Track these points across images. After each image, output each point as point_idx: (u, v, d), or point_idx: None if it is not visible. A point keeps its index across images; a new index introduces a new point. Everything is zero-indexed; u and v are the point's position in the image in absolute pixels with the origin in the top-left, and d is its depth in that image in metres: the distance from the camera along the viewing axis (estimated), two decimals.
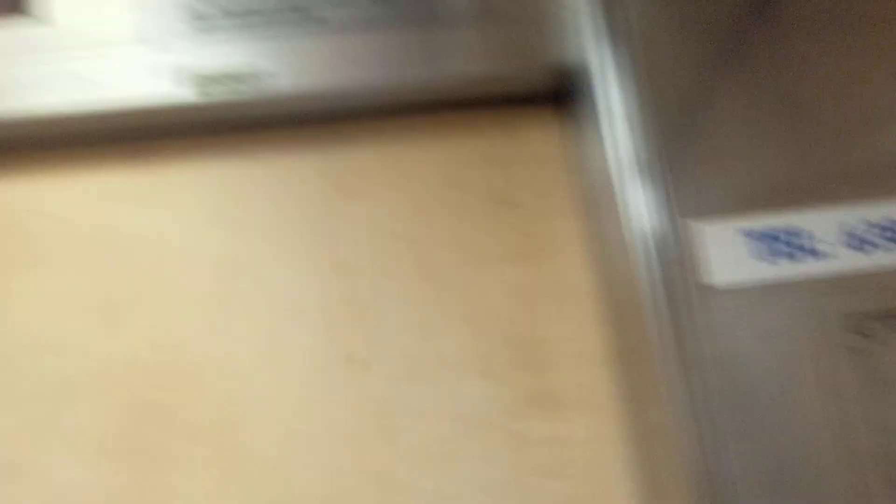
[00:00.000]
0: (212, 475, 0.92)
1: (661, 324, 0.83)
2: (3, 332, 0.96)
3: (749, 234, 0.83)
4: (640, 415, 0.93)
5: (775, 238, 0.83)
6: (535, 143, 1.03)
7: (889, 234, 0.83)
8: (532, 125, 1.03)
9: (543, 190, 1.02)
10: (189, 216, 1.00)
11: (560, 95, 1.03)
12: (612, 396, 0.96)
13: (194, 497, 0.91)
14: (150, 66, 0.94)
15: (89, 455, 0.93)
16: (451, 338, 0.97)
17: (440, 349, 0.97)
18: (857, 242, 0.83)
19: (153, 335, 0.96)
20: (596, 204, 0.96)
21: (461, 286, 0.98)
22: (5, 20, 0.91)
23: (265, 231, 0.99)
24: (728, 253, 0.82)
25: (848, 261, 0.83)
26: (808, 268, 0.82)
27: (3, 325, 0.97)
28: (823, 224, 0.84)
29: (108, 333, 0.96)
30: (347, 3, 0.96)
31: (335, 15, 0.96)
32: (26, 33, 0.92)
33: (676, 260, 0.83)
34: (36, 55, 0.92)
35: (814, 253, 0.83)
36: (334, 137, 1.02)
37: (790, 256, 0.83)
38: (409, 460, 0.94)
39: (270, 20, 0.96)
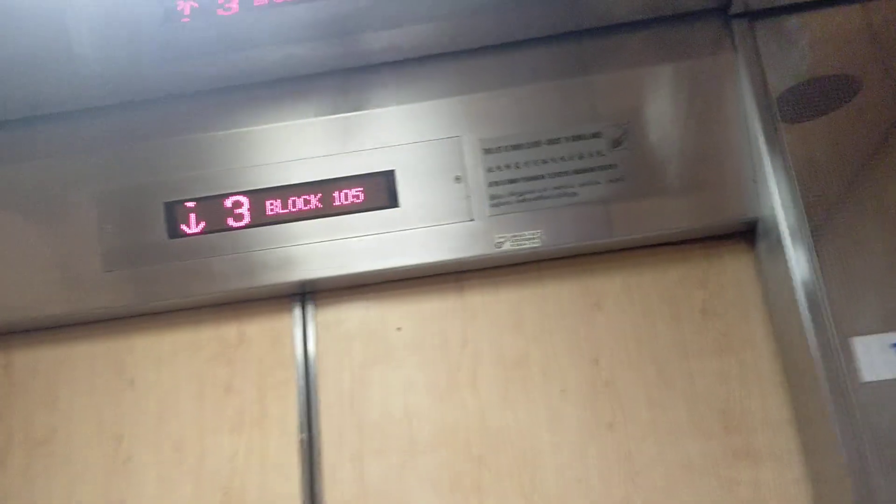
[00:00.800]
0: (515, 500, 1.39)
1: (830, 404, 1.24)
2: (371, 407, 1.47)
3: (894, 346, 1.23)
4: (813, 464, 1.33)
5: None
6: (729, 269, 1.46)
7: None
8: (727, 256, 1.46)
9: (738, 303, 1.44)
10: (491, 326, 1.48)
11: (748, 235, 1.45)
12: (793, 451, 1.36)
13: None
14: (464, 232, 1.43)
15: (436, 489, 1.42)
16: (675, 409, 1.40)
17: (667, 417, 1.40)
18: None
19: (472, 407, 1.44)
20: (780, 317, 1.38)
21: (681, 372, 1.42)
22: (383, 211, 1.42)
23: (543, 335, 1.46)
24: (879, 359, 1.23)
25: None
26: None
27: (369, 403, 1.48)
28: None
29: (441, 406, 1.46)
30: (592, 183, 1.42)
31: (584, 192, 1.43)
32: (394, 217, 1.43)
33: (843, 364, 1.24)
34: (398, 230, 1.43)
35: None
36: (588, 268, 1.49)
37: None
38: (647, 493, 1.37)
39: (540, 197, 1.43)
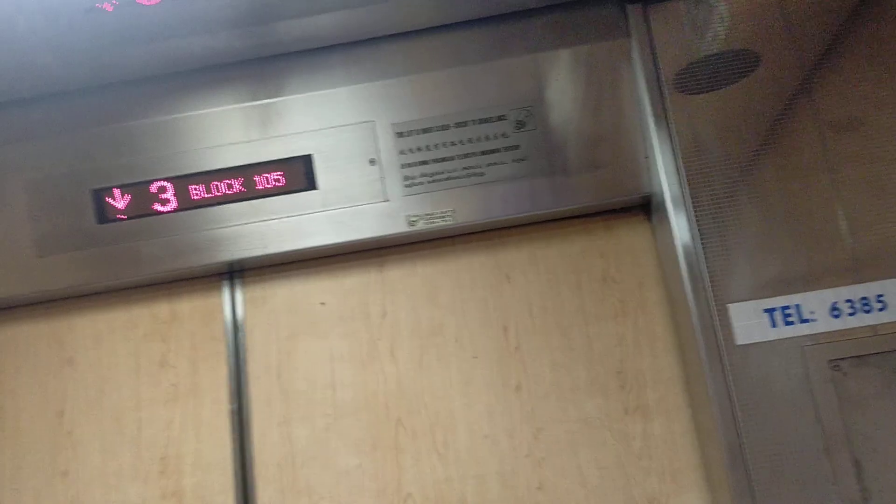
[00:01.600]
0: (431, 459, 1.52)
1: (710, 366, 1.37)
2: (297, 376, 1.58)
3: (766, 311, 1.36)
4: (696, 417, 1.47)
5: (783, 312, 1.36)
6: (628, 240, 1.57)
7: (856, 307, 1.34)
8: (626, 229, 1.57)
9: (634, 271, 1.56)
10: (409, 298, 1.59)
11: (645, 209, 1.56)
12: (680, 406, 1.50)
13: (422, 472, 1.51)
14: (379, 213, 1.53)
15: (358, 449, 1.54)
16: (576, 370, 1.53)
17: (569, 377, 1.53)
18: (836, 312, 1.35)
19: (392, 374, 1.56)
20: (670, 285, 1.50)
21: (583, 336, 1.54)
22: (303, 193, 1.51)
23: (457, 305, 1.57)
24: (752, 323, 1.36)
25: (828, 324, 1.35)
26: (802, 329, 1.35)
27: (295, 372, 1.58)
28: (814, 301, 1.36)
29: (363, 375, 1.57)
30: (498, 163, 1.52)
31: (491, 171, 1.52)
32: (313, 198, 1.52)
33: (719, 328, 1.37)
34: (317, 211, 1.52)
35: (806, 320, 1.35)
36: (498, 242, 1.59)
37: (791, 323, 1.35)
38: (549, 447, 1.51)
39: (450, 178, 1.52)
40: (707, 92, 1.47)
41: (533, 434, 1.50)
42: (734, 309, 1.37)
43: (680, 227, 1.41)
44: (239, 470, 1.52)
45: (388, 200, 1.51)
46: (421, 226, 1.51)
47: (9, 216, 1.54)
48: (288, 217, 1.53)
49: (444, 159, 1.52)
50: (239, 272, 1.61)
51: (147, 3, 1.55)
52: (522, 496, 1.47)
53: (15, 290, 1.54)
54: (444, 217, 1.51)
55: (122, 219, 1.53)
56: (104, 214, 1.53)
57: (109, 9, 1.54)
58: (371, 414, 1.54)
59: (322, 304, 1.59)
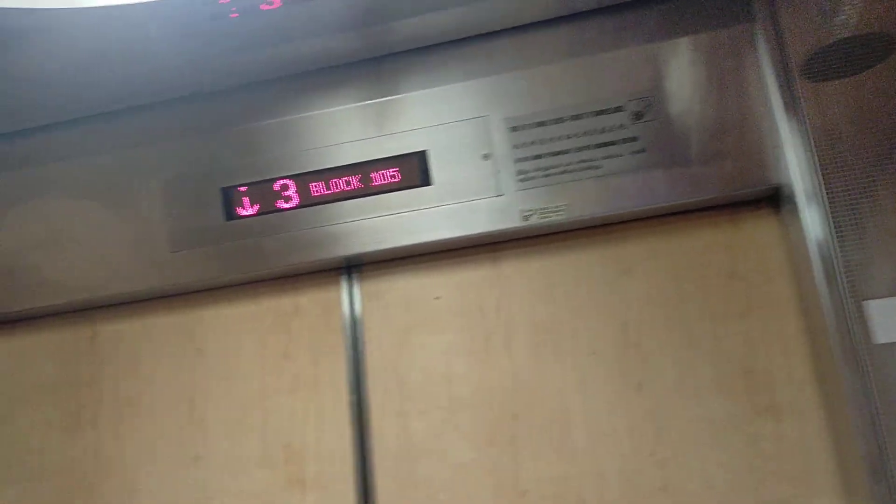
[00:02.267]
0: (548, 454, 1.50)
1: (846, 366, 1.29)
2: (413, 369, 1.60)
3: None
4: (831, 420, 1.39)
5: None
6: (753, 234, 1.50)
7: None
8: (753, 221, 1.50)
9: (762, 266, 1.49)
10: (523, 293, 1.58)
11: (772, 202, 1.49)
12: (813, 408, 1.42)
13: (539, 468, 1.50)
14: (493, 207, 1.52)
15: (474, 443, 1.54)
16: (701, 369, 1.48)
17: (694, 376, 1.48)
18: None
19: (507, 369, 1.55)
20: (801, 280, 1.43)
21: (706, 334, 1.49)
22: (418, 189, 1.53)
23: (572, 301, 1.55)
24: (892, 321, 1.27)
25: None
26: None
27: (412, 366, 1.60)
28: None
29: (478, 368, 1.57)
30: (615, 156, 1.49)
31: (607, 164, 1.49)
32: (428, 194, 1.53)
33: (855, 326, 1.29)
34: (432, 206, 1.53)
35: None
36: (616, 236, 1.56)
37: None
38: (673, 448, 1.46)
39: (565, 171, 1.50)
40: (839, 78, 1.39)
41: (655, 433, 1.46)
42: (872, 306, 1.29)
43: (813, 220, 1.33)
44: (359, 460, 1.55)
45: (501, 195, 1.51)
46: (535, 220, 1.50)
47: (146, 214, 1.64)
48: (403, 212, 1.55)
49: (558, 153, 1.50)
50: (357, 267, 1.65)
51: (267, 9, 1.60)
52: (644, 496, 1.43)
53: (151, 284, 1.63)
54: (558, 211, 1.49)
55: (249, 216, 1.59)
56: (232, 211, 1.60)
57: (233, 15, 1.61)
58: (487, 408, 1.54)
59: (437, 298, 1.60)
